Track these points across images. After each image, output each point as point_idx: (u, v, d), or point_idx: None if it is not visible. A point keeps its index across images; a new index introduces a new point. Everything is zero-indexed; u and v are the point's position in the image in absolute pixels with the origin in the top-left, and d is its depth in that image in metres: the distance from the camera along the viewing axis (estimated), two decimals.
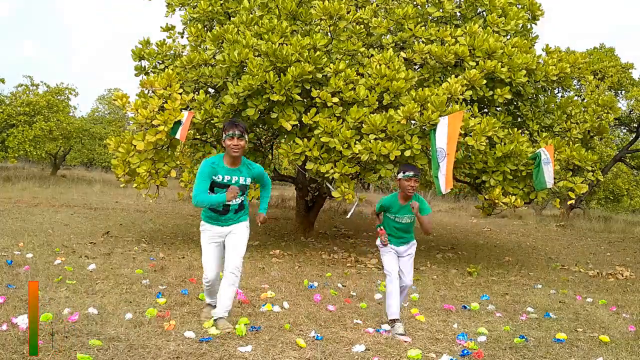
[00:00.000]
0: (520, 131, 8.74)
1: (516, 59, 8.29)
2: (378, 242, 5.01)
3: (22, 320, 4.20)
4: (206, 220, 4.71)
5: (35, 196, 16.34)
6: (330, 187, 8.14)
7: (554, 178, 8.36)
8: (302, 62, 7.78)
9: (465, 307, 6.00)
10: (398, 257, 4.98)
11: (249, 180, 4.66)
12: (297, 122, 8.11)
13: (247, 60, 7.82)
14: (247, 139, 4.59)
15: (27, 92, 24.72)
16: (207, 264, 4.70)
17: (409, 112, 7.46)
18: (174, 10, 10.11)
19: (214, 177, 4.53)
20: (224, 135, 4.54)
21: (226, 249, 4.69)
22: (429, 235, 4.66)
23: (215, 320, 4.57)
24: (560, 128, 9.29)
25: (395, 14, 8.70)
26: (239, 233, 4.69)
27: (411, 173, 4.69)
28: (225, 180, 4.54)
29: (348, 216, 6.19)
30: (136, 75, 9.60)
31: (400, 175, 4.74)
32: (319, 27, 8.66)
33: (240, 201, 4.67)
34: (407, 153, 7.59)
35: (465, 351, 4.27)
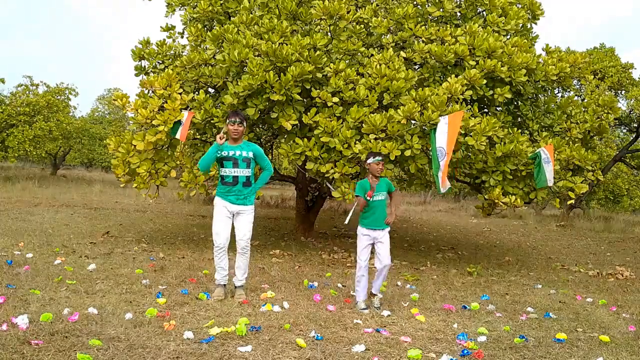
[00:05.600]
0: (520, 131, 8.73)
1: (516, 59, 8.29)
2: (359, 200, 5.55)
3: (22, 320, 4.20)
4: (219, 196, 5.63)
5: (35, 196, 16.35)
6: (330, 187, 8.14)
7: (554, 178, 8.36)
8: (302, 62, 7.77)
9: (465, 307, 6.00)
10: (374, 243, 5.60)
11: (250, 153, 5.63)
12: (297, 122, 8.11)
13: (247, 60, 7.82)
14: (245, 126, 5.68)
15: (27, 92, 24.72)
16: (217, 232, 5.57)
17: (409, 111, 7.46)
18: (174, 10, 10.11)
19: (220, 153, 5.53)
20: (227, 122, 5.60)
21: (236, 229, 5.64)
22: (398, 208, 5.65)
23: (236, 287, 5.73)
24: (560, 128, 9.28)
25: (396, 13, 8.69)
26: (246, 216, 5.65)
27: (380, 157, 5.61)
28: (230, 154, 5.55)
29: (346, 222, 6.35)
30: (136, 75, 9.59)
31: (371, 160, 5.59)
32: (319, 26, 8.66)
33: (247, 174, 5.60)
34: (407, 153, 7.59)
35: (465, 351, 4.27)
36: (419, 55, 8.39)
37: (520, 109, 9.30)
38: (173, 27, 9.97)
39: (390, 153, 7.48)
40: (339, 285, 6.79)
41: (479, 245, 12.66)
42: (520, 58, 8.31)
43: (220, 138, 5.45)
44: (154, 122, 7.89)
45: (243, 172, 5.58)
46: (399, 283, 7.20)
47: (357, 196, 5.59)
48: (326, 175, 7.91)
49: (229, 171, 5.56)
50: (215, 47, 8.57)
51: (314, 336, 4.47)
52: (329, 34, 8.55)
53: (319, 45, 8.06)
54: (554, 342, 4.74)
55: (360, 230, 5.63)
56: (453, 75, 8.10)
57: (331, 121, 7.71)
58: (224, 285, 5.72)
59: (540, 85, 9.26)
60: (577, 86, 19.24)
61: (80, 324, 4.38)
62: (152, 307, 4.99)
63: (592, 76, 19.14)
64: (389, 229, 5.68)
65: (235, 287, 5.77)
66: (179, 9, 10.12)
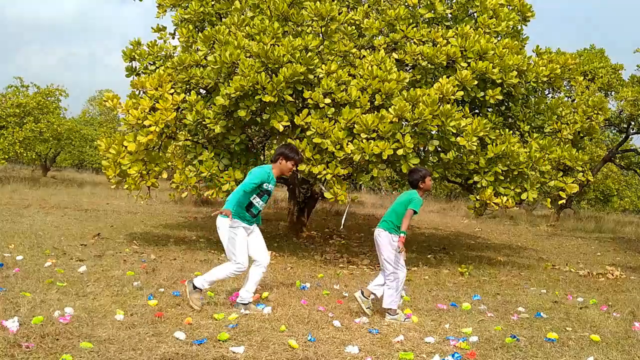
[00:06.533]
0: (511, 132, 8.78)
1: (507, 60, 8.33)
2: (398, 247, 5.24)
3: (13, 323, 4.17)
4: (241, 219, 5.29)
5: (25, 198, 16.23)
6: (323, 188, 8.14)
7: (545, 178, 8.42)
8: (293, 63, 7.77)
9: (453, 305, 6.04)
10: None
11: None
12: (289, 123, 8.10)
13: (238, 61, 7.80)
14: None
15: (17, 93, 24.55)
16: (245, 256, 5.29)
17: (400, 110, 7.48)
18: (165, 11, 10.06)
19: (268, 186, 5.33)
20: (285, 158, 5.36)
21: (255, 246, 5.41)
22: None
23: (246, 304, 5.29)
24: (551, 129, 9.34)
25: (387, 15, 8.72)
26: (259, 233, 5.51)
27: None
28: (269, 188, 5.36)
29: (341, 227, 6.27)
30: (127, 76, 9.55)
31: (429, 178, 5.41)
32: (310, 28, 8.66)
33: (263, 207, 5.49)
34: (400, 152, 7.60)
35: (457, 355, 4.28)
36: (410, 56, 8.41)
37: (511, 110, 9.35)
38: (164, 28, 9.93)
39: (383, 152, 7.49)
40: (335, 286, 6.78)
41: (470, 246, 12.70)
42: (511, 60, 8.35)
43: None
44: (145, 123, 7.86)
45: (264, 206, 5.46)
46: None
47: (415, 212, 5.24)
48: (319, 177, 7.91)
49: (261, 205, 5.38)
50: (206, 48, 8.55)
51: (306, 337, 4.47)
52: (320, 35, 8.55)
53: (310, 47, 8.06)
54: (545, 342, 4.77)
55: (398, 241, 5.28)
56: (444, 76, 8.13)
57: (323, 122, 7.71)
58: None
59: (531, 87, 9.32)
60: (567, 87, 19.36)
61: (71, 326, 4.35)
62: (153, 300, 4.97)
63: (582, 77, 19.27)
64: None
65: (245, 304, 5.32)
66: (170, 10, 10.08)
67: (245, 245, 5.30)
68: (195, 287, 5.25)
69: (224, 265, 5.38)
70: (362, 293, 5.38)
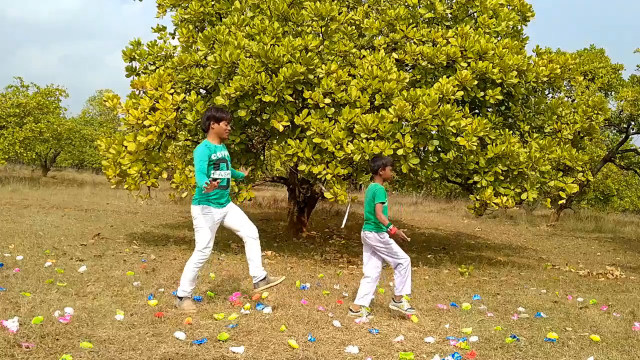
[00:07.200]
0: (511, 132, 8.78)
1: (507, 60, 8.33)
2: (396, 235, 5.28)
3: (13, 323, 4.17)
4: (209, 204, 5.19)
5: (25, 198, 16.24)
6: (323, 188, 8.14)
7: (545, 178, 8.42)
8: (293, 63, 7.77)
9: (453, 305, 6.04)
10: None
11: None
12: (289, 123, 8.10)
13: (238, 61, 7.80)
14: None
15: (17, 93, 24.57)
16: (208, 243, 5.23)
17: (400, 110, 7.48)
18: (165, 11, 10.06)
19: (217, 155, 5.18)
20: (215, 121, 5.24)
21: (236, 222, 5.36)
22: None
23: (263, 279, 5.31)
24: (551, 129, 9.34)
25: (387, 15, 8.72)
26: (236, 208, 5.42)
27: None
28: (224, 155, 5.26)
29: (342, 226, 6.26)
30: (127, 76, 9.55)
31: (389, 167, 5.48)
32: (310, 28, 8.66)
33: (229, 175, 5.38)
34: (400, 152, 7.61)
35: (457, 355, 4.28)
36: (410, 56, 8.41)
37: (511, 110, 9.35)
38: (164, 28, 9.93)
39: (383, 152, 7.49)
40: (336, 286, 6.79)
41: (470, 246, 12.70)
42: (511, 60, 8.36)
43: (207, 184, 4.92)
44: (145, 123, 7.86)
45: (229, 173, 5.36)
46: (390, 284, 7.21)
47: (382, 203, 5.23)
48: (319, 177, 7.92)
49: (224, 174, 5.23)
50: (206, 48, 8.54)
51: (306, 337, 4.47)
52: (320, 35, 8.55)
53: (310, 47, 8.06)
54: (545, 342, 4.77)
55: (385, 235, 5.32)
56: (444, 76, 8.14)
57: (323, 122, 7.71)
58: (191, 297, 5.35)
59: (531, 87, 9.32)
60: (567, 87, 19.35)
61: (71, 326, 4.35)
62: (153, 300, 4.97)
63: (582, 77, 19.27)
64: None
65: (262, 279, 5.33)
66: (170, 10, 10.07)
67: (210, 232, 5.20)
68: (181, 298, 5.23)
69: (188, 262, 5.30)
70: (351, 310, 5.40)
